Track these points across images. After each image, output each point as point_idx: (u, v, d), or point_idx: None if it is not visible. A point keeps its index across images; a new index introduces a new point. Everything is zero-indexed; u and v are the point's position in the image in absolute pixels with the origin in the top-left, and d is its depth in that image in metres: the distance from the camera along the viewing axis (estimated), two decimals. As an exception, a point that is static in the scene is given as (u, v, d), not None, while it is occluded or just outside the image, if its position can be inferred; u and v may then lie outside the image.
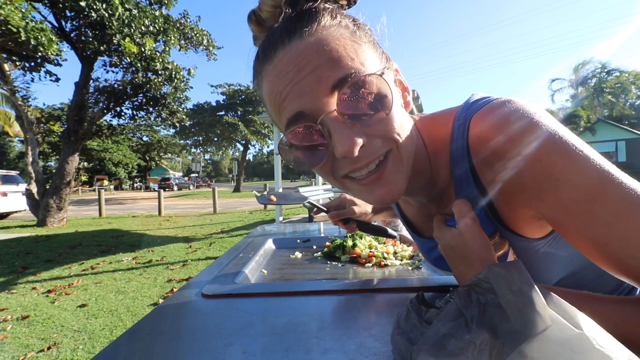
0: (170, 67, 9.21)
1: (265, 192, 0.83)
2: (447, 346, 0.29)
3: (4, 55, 7.73)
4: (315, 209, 0.83)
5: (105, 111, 9.45)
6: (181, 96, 10.47)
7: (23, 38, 6.67)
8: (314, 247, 1.15)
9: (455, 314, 0.30)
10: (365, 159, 0.41)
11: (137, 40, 8.36)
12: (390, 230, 0.80)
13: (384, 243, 1.05)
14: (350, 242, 1.01)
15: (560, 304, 0.28)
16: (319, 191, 7.71)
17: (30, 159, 8.37)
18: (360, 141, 0.39)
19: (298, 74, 0.39)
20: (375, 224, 0.82)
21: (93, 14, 7.77)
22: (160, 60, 8.94)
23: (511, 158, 0.40)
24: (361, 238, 1.04)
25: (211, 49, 10.95)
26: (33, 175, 8.41)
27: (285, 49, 0.40)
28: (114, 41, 8.22)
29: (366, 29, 0.44)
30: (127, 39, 8.09)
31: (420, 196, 0.55)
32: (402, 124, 0.43)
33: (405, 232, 1.17)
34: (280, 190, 6.80)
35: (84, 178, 36.98)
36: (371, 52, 0.43)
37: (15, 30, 6.55)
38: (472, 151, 0.45)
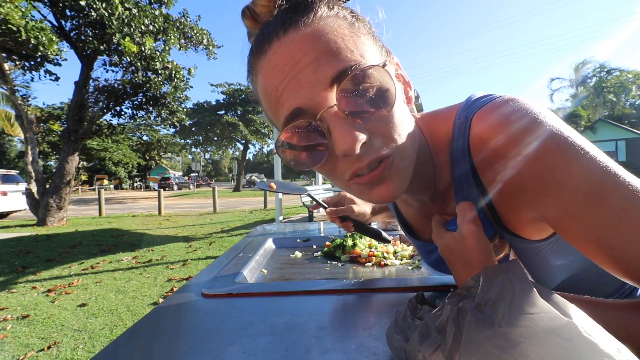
0: (170, 66, 9.19)
1: (266, 179, 0.83)
2: (431, 334, 0.30)
3: (4, 55, 7.72)
4: (314, 202, 0.83)
5: (105, 110, 9.43)
6: (181, 95, 10.45)
7: (23, 37, 6.66)
8: (314, 246, 1.15)
9: (441, 310, 0.31)
10: (367, 158, 0.38)
11: (137, 39, 8.34)
12: (384, 234, 0.80)
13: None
14: (350, 242, 1.01)
15: (551, 297, 0.28)
16: (319, 190, 7.71)
17: (30, 158, 8.35)
18: (362, 137, 0.36)
19: (294, 67, 0.37)
20: (372, 226, 0.81)
21: (93, 13, 7.76)
22: (160, 59, 8.92)
23: (512, 158, 0.39)
24: (361, 237, 1.04)
25: (211, 48, 10.94)
26: (33, 174, 8.40)
27: (281, 41, 0.38)
28: (114, 40, 8.20)
29: (365, 21, 0.42)
30: (127, 38, 8.08)
31: (421, 195, 0.54)
32: (405, 121, 0.41)
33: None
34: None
35: (83, 177, 37.01)
36: (371, 45, 0.40)
37: (15, 29, 6.54)
38: (472, 151, 0.44)
